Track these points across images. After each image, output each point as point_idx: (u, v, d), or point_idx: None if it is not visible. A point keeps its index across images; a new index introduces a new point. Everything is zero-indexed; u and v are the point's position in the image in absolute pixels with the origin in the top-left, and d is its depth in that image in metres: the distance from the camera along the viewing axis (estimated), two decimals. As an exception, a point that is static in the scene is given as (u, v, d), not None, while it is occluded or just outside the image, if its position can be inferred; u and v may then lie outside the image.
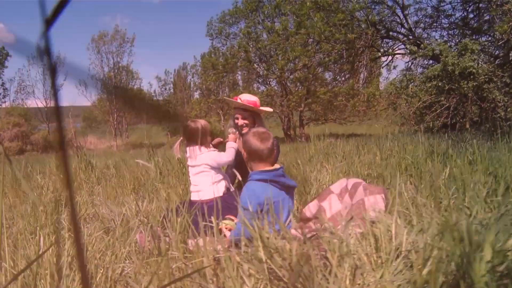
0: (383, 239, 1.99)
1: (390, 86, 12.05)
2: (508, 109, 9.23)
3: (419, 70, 13.85)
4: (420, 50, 10.87)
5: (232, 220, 2.90)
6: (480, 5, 12.20)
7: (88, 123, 53.56)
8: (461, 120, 9.78)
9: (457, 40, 12.97)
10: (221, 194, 3.18)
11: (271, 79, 36.42)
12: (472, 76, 9.18)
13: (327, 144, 7.24)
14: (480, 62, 9.37)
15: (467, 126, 9.36)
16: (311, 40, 15.13)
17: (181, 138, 3.37)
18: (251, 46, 34.41)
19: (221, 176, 3.27)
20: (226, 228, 2.79)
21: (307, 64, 15.29)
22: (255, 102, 3.61)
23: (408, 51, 11.74)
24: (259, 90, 37.90)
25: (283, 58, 22.16)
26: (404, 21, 14.84)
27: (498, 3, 9.67)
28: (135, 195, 3.99)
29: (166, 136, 46.47)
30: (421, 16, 14.34)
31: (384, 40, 16.04)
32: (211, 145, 3.40)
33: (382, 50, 15.91)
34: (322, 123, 30.33)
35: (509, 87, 9.33)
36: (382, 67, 15.61)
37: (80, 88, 43.52)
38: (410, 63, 15.34)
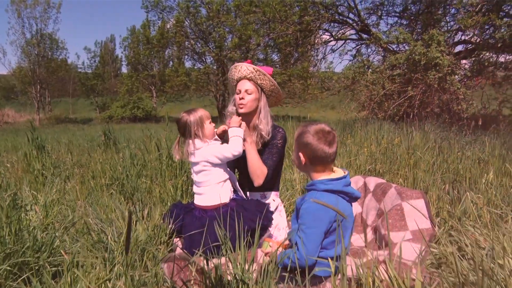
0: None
1: (348, 71, 11.85)
2: (470, 102, 9.41)
3: (373, 57, 13.87)
4: (385, 37, 10.74)
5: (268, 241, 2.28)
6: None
7: (3, 94, 48.72)
8: (422, 110, 9.81)
9: (409, 29, 13.07)
10: (227, 200, 2.51)
11: (207, 57, 35.45)
12: (437, 67, 9.18)
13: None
14: (444, 54, 9.37)
15: (428, 116, 9.39)
16: (264, 19, 14.50)
17: (179, 136, 2.60)
18: (189, 21, 33.14)
19: (226, 176, 2.57)
20: (265, 253, 2.16)
21: (260, 44, 14.68)
22: (270, 73, 2.70)
23: (373, 38, 11.55)
24: (196, 67, 36.80)
25: (220, 35, 21.44)
26: (353, 4, 14.72)
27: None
28: (118, 195, 3.15)
29: (95, 111, 43.72)
30: (370, 3, 14.36)
31: (332, 24, 15.87)
32: (214, 137, 2.66)
33: (333, 33, 15.75)
34: (258, 103, 30.15)
35: (470, 79, 9.50)
36: (334, 51, 15.44)
37: (-4, 54, 39.38)
38: (356, 49, 15.42)
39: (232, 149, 2.47)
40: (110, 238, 2.34)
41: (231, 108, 2.77)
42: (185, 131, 2.51)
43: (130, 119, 33.93)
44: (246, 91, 2.63)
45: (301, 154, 2.06)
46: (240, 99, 2.64)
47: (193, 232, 2.33)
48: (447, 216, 2.81)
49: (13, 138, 10.27)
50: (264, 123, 2.66)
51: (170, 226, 2.53)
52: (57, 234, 2.27)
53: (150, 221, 2.56)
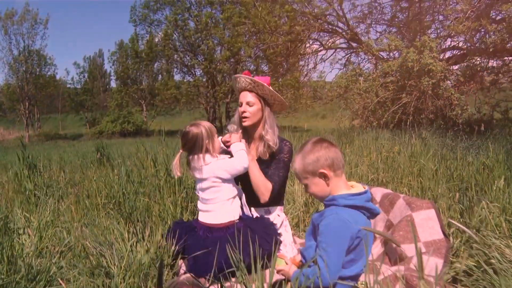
0: None
1: (341, 79, 11.86)
2: (464, 107, 9.43)
3: (363, 65, 13.93)
4: (376, 45, 10.78)
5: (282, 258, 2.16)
6: (422, 4, 12.43)
7: (-9, 111, 48.16)
8: (417, 117, 9.82)
9: (399, 37, 13.14)
10: (237, 218, 2.39)
11: (196, 69, 35.43)
12: (431, 73, 9.19)
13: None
14: (436, 60, 9.40)
15: (423, 122, 9.39)
16: (254, 30, 14.51)
17: (180, 150, 2.46)
18: (177, 34, 33.18)
19: (235, 191, 2.46)
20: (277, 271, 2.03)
21: (251, 56, 14.66)
22: (268, 82, 2.58)
23: (365, 46, 11.59)
24: (185, 80, 36.75)
25: (209, 47, 21.41)
26: (342, 14, 14.80)
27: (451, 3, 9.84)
28: (116, 214, 3.00)
29: (84, 126, 43.38)
30: (359, 12, 14.47)
31: (321, 33, 15.93)
32: (221, 147, 2.56)
33: (323, 43, 15.81)
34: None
35: (463, 85, 9.54)
36: (324, 61, 15.49)
37: (-17, 72, 39.07)
38: (346, 58, 15.49)
39: (242, 161, 2.37)
40: (110, 262, 2.19)
41: (230, 126, 2.69)
42: (194, 145, 2.37)
43: (121, 134, 33.76)
44: (247, 103, 2.55)
45: (324, 171, 1.91)
46: (242, 112, 2.55)
47: (198, 253, 2.20)
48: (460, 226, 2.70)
49: (2, 157, 10.04)
50: (271, 133, 2.57)
51: (173, 247, 2.39)
52: (53, 261, 2.11)
53: (151, 242, 2.40)
